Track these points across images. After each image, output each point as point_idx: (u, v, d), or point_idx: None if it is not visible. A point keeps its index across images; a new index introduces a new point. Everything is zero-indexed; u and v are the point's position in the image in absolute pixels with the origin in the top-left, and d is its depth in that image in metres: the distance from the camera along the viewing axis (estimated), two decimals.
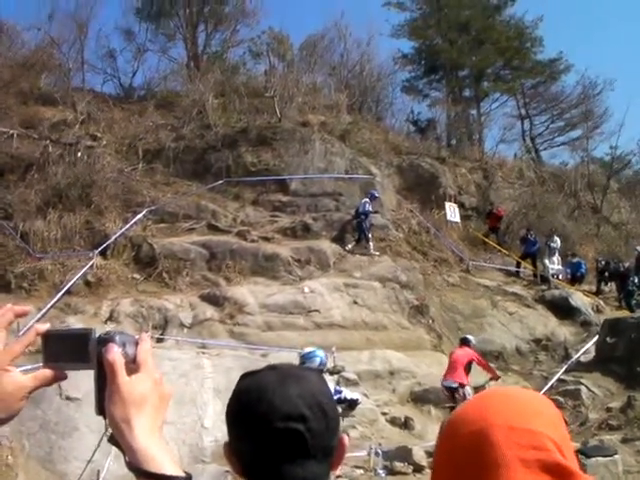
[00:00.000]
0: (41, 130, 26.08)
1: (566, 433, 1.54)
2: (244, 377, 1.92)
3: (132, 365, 1.48)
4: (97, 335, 1.49)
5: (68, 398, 13.95)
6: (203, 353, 17.08)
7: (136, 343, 1.52)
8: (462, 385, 15.54)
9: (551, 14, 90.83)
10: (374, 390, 18.15)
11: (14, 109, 26.70)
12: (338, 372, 17.44)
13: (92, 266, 21.04)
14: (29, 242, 21.60)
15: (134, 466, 1.38)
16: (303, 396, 1.80)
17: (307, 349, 11.46)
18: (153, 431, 1.44)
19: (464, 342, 17.10)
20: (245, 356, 17.63)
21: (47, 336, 1.52)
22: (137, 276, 21.57)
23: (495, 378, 17.00)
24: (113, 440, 1.45)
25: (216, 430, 14.00)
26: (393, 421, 17.19)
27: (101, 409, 1.47)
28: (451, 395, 15.74)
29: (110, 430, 1.45)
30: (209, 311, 19.79)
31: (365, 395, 16.62)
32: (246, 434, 1.79)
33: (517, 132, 47.01)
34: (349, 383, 16.85)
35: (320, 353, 11.36)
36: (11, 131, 25.04)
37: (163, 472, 1.37)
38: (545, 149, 48.20)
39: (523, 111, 47.85)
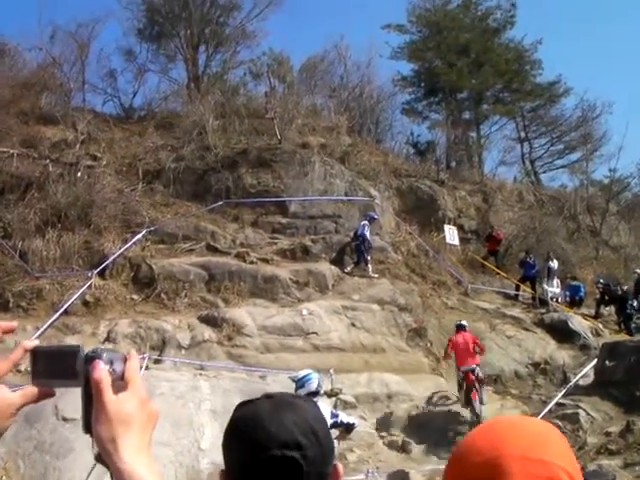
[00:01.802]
0: (41, 150, 26.09)
1: (576, 462, 1.54)
2: (240, 406, 1.93)
3: (120, 382, 1.47)
4: (85, 352, 1.48)
5: (64, 419, 13.91)
6: (201, 375, 17.05)
7: (124, 360, 1.51)
8: (477, 365, 17.94)
9: (550, 37, 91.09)
10: (372, 413, 18.10)
11: (15, 129, 26.71)
12: (336, 395, 17.41)
13: (90, 286, 21.02)
14: (28, 261, 21.61)
15: None
16: (298, 424, 1.82)
17: (302, 372, 11.37)
18: (140, 451, 1.43)
19: (462, 328, 19.19)
20: (243, 378, 17.61)
21: (35, 353, 1.51)
22: (135, 297, 21.54)
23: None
24: (101, 459, 1.44)
25: (213, 452, 13.93)
26: (391, 444, 17.13)
27: (88, 427, 1.46)
28: (466, 379, 17.65)
29: (97, 449, 1.44)
30: (207, 332, 19.75)
31: (363, 418, 16.58)
32: (242, 462, 1.80)
33: (517, 155, 47.19)
34: (347, 406, 16.83)
35: (315, 376, 11.29)
36: (11, 151, 25.05)
37: None
38: (545, 172, 48.39)
39: (522, 134, 47.98)
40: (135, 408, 1.46)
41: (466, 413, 18.18)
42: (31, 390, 1.51)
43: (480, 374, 18.02)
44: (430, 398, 19.38)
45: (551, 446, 1.52)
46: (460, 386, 18.48)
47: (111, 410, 1.42)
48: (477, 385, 17.85)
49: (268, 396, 1.94)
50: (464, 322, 19.96)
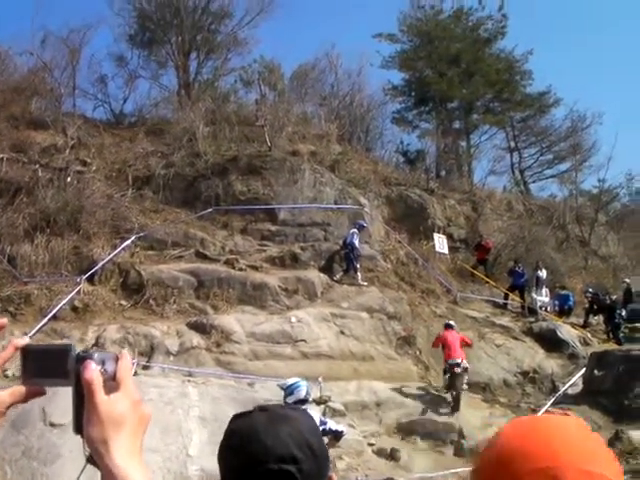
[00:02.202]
0: (31, 154, 26.01)
1: (619, 470, 1.51)
2: (235, 418, 1.95)
3: (111, 383, 1.45)
4: (76, 352, 1.46)
5: (52, 424, 13.84)
6: (189, 381, 16.99)
7: (116, 360, 1.49)
8: (462, 360, 19.38)
9: (541, 48, 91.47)
10: (361, 421, 18.07)
11: (5, 133, 26.63)
12: (325, 402, 17.36)
13: (79, 291, 20.96)
14: (16, 266, 21.52)
15: None
16: (294, 437, 1.83)
17: (290, 380, 11.36)
18: (132, 453, 1.41)
19: (450, 327, 20.78)
20: (232, 385, 17.55)
21: (26, 351, 1.49)
22: (124, 302, 21.47)
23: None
24: (92, 460, 1.42)
25: (201, 459, 13.89)
26: (379, 452, 17.10)
27: (79, 428, 1.44)
28: (451, 369, 19.21)
29: (88, 450, 1.42)
30: (196, 339, 19.70)
31: (352, 426, 16.54)
32: (238, 475, 1.82)
33: (506, 164, 47.47)
34: (336, 414, 16.78)
35: (304, 383, 11.28)
36: (1, 155, 24.98)
37: None
38: (534, 182, 48.68)
39: (512, 144, 48.21)
40: (127, 409, 1.44)
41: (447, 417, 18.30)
42: (20, 389, 1.49)
43: (465, 365, 19.54)
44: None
45: (601, 456, 1.48)
46: (445, 372, 19.80)
47: (103, 411, 1.40)
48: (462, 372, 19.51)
49: (263, 409, 1.96)
50: (452, 322, 21.56)
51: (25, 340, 1.51)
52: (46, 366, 1.47)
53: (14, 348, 1.49)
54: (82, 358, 1.45)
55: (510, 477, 1.47)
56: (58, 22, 66.47)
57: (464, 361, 19.52)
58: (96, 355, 1.45)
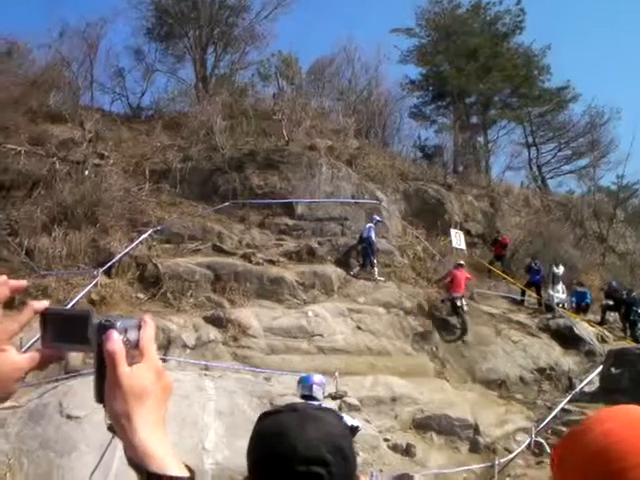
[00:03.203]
0: (49, 147, 26.10)
1: None
2: (264, 417, 1.94)
3: (134, 351, 1.42)
4: (97, 320, 1.43)
5: (68, 416, 13.86)
6: (206, 375, 16.99)
7: (139, 327, 1.46)
8: (463, 296, 23.38)
9: (559, 43, 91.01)
10: (376, 416, 18.02)
11: (23, 126, 26.70)
12: (340, 397, 17.30)
13: (96, 284, 20.99)
14: (34, 259, 21.59)
15: (135, 463, 1.34)
16: (324, 440, 1.83)
17: (317, 376, 11.29)
18: (155, 426, 1.39)
19: (461, 266, 24.25)
20: (248, 379, 17.53)
21: (45, 315, 1.47)
22: (141, 295, 21.50)
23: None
24: (113, 429, 1.40)
25: (217, 452, 13.89)
26: (395, 447, 17.05)
27: (100, 396, 1.42)
28: (454, 301, 23.17)
29: (109, 421, 1.40)
30: (212, 333, 19.69)
31: (367, 421, 16.52)
32: (266, 475, 1.82)
33: (524, 160, 47.24)
34: (351, 408, 16.73)
35: (318, 379, 11.26)
36: (19, 148, 25.06)
37: (165, 472, 1.32)
38: (552, 177, 48.42)
39: (530, 139, 48.03)
40: (151, 382, 1.41)
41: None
42: (39, 353, 1.47)
43: (463, 301, 23.37)
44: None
45: None
46: (450, 301, 23.49)
47: (125, 384, 1.37)
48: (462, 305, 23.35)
49: (293, 408, 1.95)
50: (462, 262, 24.90)
51: (44, 304, 1.49)
52: (65, 331, 1.45)
53: (33, 312, 1.47)
54: (104, 327, 1.41)
55: (610, 471, 1.41)
56: (76, 16, 66.64)
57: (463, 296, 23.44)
58: (119, 323, 1.42)
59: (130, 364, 1.40)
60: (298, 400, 12.04)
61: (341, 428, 1.93)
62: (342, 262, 24.35)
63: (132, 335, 1.44)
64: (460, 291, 23.23)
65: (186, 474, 1.35)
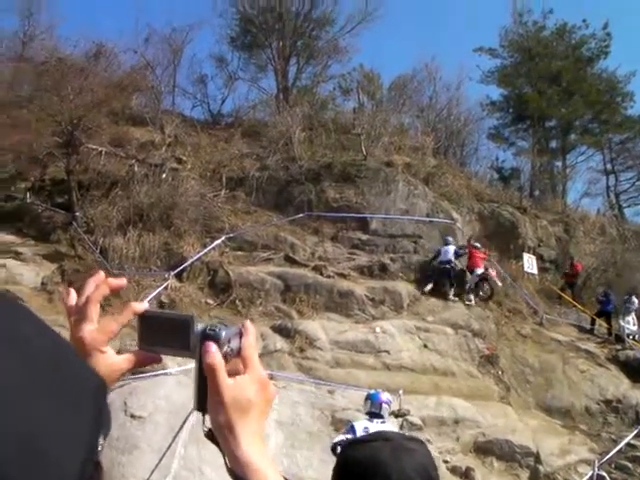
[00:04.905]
0: (129, 149, 26.58)
1: None
2: (353, 445, 1.92)
3: (236, 360, 1.37)
4: (201, 327, 1.38)
5: (132, 416, 13.98)
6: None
7: (240, 335, 1.40)
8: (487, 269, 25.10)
9: None
10: (438, 437, 17.84)
11: (105, 127, 27.18)
12: (403, 415, 17.17)
13: (167, 287, 21.19)
14: (107, 258, 21.91)
15: (236, 475, 1.29)
16: (417, 470, 1.82)
17: (384, 394, 11.21)
18: (256, 436, 1.34)
19: (477, 248, 25.30)
20: (312, 391, 17.51)
21: (144, 317, 1.44)
22: (210, 301, 21.65)
23: None
24: (211, 436, 1.35)
25: (276, 462, 13.78)
26: (454, 470, 16.87)
27: (202, 405, 1.36)
28: (478, 277, 24.72)
29: (207, 426, 1.35)
30: (279, 343, 19.73)
31: (428, 441, 16.30)
32: None
33: (601, 187, 46.54)
34: (413, 427, 16.63)
35: (385, 397, 11.20)
36: (100, 148, 25.50)
37: None
38: (629, 206, 47.50)
39: (609, 166, 47.26)
40: (254, 393, 1.36)
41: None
42: (137, 355, 1.47)
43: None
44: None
45: None
46: (476, 277, 24.72)
47: (228, 397, 1.32)
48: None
49: (385, 438, 1.94)
50: (478, 244, 25.94)
51: (144, 305, 1.46)
52: (165, 335, 1.42)
53: (133, 313, 1.44)
54: (207, 336, 1.35)
55: None
56: (161, 21, 67.69)
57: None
58: (224, 334, 1.36)
59: (233, 374, 1.35)
60: (361, 415, 12.01)
61: (432, 459, 1.97)
62: (414, 280, 24.21)
63: (234, 344, 1.39)
64: (480, 266, 24.51)
65: None
